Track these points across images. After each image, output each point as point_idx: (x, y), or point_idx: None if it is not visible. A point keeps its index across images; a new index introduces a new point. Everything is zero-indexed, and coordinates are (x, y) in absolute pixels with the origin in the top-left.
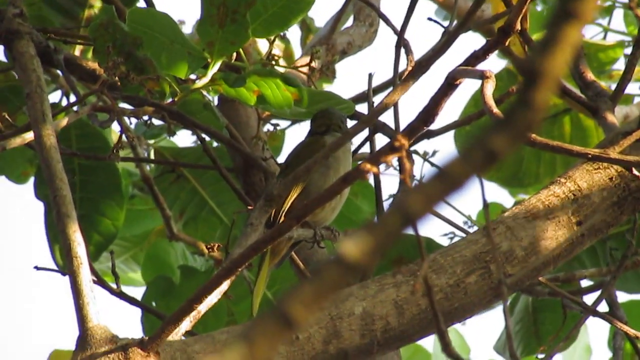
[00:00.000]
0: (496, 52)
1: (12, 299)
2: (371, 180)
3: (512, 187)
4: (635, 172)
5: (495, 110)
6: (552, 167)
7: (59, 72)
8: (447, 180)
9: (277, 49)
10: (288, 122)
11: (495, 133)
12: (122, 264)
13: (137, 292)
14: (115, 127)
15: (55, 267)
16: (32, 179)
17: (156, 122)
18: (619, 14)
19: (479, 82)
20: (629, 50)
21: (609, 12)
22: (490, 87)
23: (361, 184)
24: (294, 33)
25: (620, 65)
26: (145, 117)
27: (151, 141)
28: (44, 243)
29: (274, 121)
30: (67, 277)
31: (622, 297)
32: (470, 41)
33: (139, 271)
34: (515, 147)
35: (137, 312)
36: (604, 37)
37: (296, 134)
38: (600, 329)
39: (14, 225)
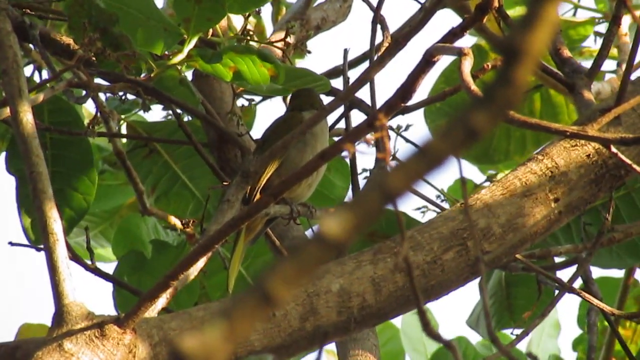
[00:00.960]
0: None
1: None
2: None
3: (483, 164)
4: (613, 149)
5: (473, 87)
6: (523, 144)
7: (31, 46)
8: (427, 158)
9: (249, 25)
10: (260, 97)
11: (475, 110)
12: (91, 240)
13: (107, 268)
14: (89, 104)
15: (27, 242)
16: (3, 154)
17: (129, 97)
18: None
19: (450, 58)
20: (599, 28)
21: None
22: (467, 64)
23: (336, 160)
24: (264, 9)
25: (590, 43)
26: (120, 93)
27: (123, 116)
28: (14, 218)
29: (247, 96)
30: (41, 253)
31: (595, 272)
32: (446, 20)
33: (108, 247)
34: (495, 125)
35: (109, 288)
36: (574, 14)
37: (268, 109)
38: (569, 305)
39: None
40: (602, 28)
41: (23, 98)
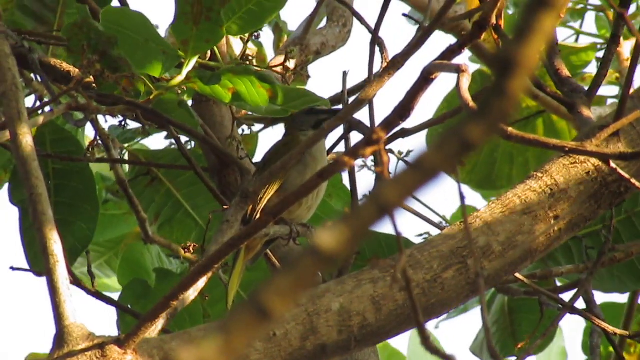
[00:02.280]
0: (470, 55)
1: None
2: (345, 182)
3: (485, 189)
4: (612, 164)
5: (472, 104)
6: (525, 169)
7: (32, 76)
8: (422, 171)
9: (250, 52)
10: (261, 125)
11: (470, 123)
12: (96, 270)
13: (113, 298)
14: (89, 132)
15: (33, 273)
16: (6, 186)
17: (131, 125)
18: (590, 16)
19: (452, 83)
20: (601, 54)
21: (580, 15)
22: (465, 81)
23: (335, 186)
24: (266, 37)
25: (592, 69)
26: (120, 118)
27: (125, 145)
28: (19, 249)
29: (248, 123)
30: (44, 280)
31: (598, 299)
32: (442, 43)
33: (113, 277)
34: (490, 137)
35: (112, 316)
36: (576, 40)
37: (270, 137)
38: (575, 332)
39: None
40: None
41: (22, 120)
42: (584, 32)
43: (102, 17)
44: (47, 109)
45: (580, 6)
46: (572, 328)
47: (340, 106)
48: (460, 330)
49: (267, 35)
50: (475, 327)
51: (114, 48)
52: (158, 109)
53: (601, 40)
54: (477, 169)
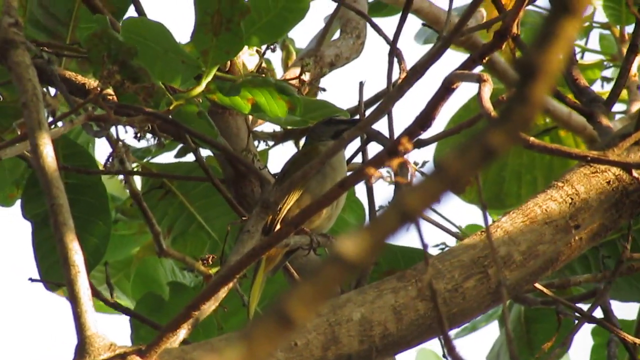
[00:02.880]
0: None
1: (6, 318)
2: (359, 195)
3: (494, 208)
4: (634, 173)
5: (493, 113)
6: (534, 187)
7: (45, 90)
8: (444, 178)
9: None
10: (272, 143)
11: (492, 130)
12: (106, 291)
13: (124, 318)
14: (100, 147)
15: (45, 286)
16: (18, 202)
17: (143, 143)
18: (595, 34)
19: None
20: (606, 72)
21: (586, 33)
22: (487, 91)
23: (349, 198)
24: (274, 54)
25: (597, 87)
26: (136, 130)
27: (141, 160)
28: (28, 264)
29: (264, 133)
30: (58, 297)
31: (617, 313)
32: (452, 62)
33: (124, 298)
34: (512, 144)
35: (125, 331)
36: (582, 57)
37: (280, 153)
38: (581, 350)
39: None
40: (609, 73)
41: (43, 130)
42: (590, 50)
43: (123, 27)
44: (61, 121)
45: (586, 24)
46: (578, 346)
47: (358, 117)
48: (469, 345)
49: (274, 53)
50: (486, 341)
51: (134, 58)
52: (177, 119)
53: (607, 58)
54: (486, 188)
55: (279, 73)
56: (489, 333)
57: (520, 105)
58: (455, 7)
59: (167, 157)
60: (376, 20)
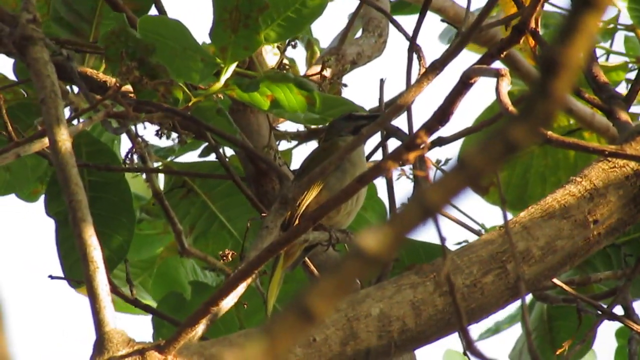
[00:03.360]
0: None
1: (23, 315)
2: (380, 194)
3: (517, 210)
4: None
5: (511, 108)
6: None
7: (68, 88)
8: (466, 173)
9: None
10: (295, 142)
11: (513, 125)
12: (125, 287)
13: (147, 319)
14: (124, 145)
15: (68, 283)
16: (42, 198)
17: (165, 142)
18: (620, 36)
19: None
20: (630, 75)
21: (610, 35)
22: (505, 85)
23: (370, 197)
24: (299, 53)
25: (622, 89)
26: (156, 127)
27: (164, 160)
28: (53, 260)
29: (288, 133)
30: (79, 294)
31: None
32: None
33: (148, 298)
34: (533, 139)
35: (147, 330)
36: (607, 59)
37: (304, 153)
38: (606, 349)
39: (24, 244)
40: (634, 75)
41: (61, 126)
42: (614, 52)
43: (140, 25)
44: (82, 118)
45: (610, 26)
46: (602, 340)
47: (379, 113)
48: (492, 347)
49: (299, 51)
50: (509, 340)
51: (152, 56)
52: (197, 115)
53: (631, 60)
54: (510, 190)
55: (302, 72)
56: (513, 335)
57: (541, 101)
58: (477, 7)
59: (192, 157)
60: (398, 18)
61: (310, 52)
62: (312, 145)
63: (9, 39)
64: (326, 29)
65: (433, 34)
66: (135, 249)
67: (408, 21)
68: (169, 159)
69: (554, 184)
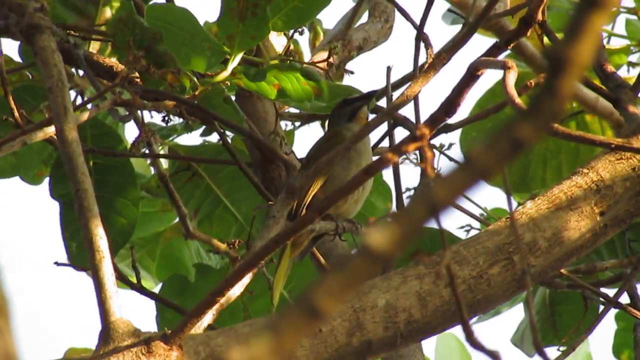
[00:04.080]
0: (509, 55)
1: (28, 299)
2: (387, 178)
3: (519, 192)
4: None
5: (518, 100)
6: (559, 172)
7: (74, 70)
8: (473, 170)
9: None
10: (298, 123)
11: (520, 121)
12: (128, 268)
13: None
14: (130, 128)
15: (74, 268)
16: (46, 180)
17: (174, 121)
18: (622, 19)
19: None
20: (632, 57)
21: (612, 18)
22: (512, 77)
23: (377, 181)
24: (302, 35)
25: (623, 72)
26: (163, 114)
27: (166, 140)
28: (58, 244)
29: (286, 121)
30: (84, 276)
31: None
32: (481, 45)
33: (147, 277)
34: (540, 136)
35: (151, 313)
36: (608, 42)
37: (307, 134)
38: (603, 338)
39: (28, 226)
40: (636, 58)
41: (68, 116)
42: (616, 34)
43: (147, 13)
44: (90, 105)
45: (612, 9)
46: (600, 334)
47: (384, 101)
48: (496, 325)
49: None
50: (510, 324)
51: (159, 44)
52: (203, 104)
53: (633, 43)
54: (511, 171)
55: (306, 54)
56: (514, 316)
57: (548, 98)
58: None
59: (194, 136)
60: (405, 1)
61: (313, 33)
62: (315, 127)
63: (16, 27)
64: (331, 10)
65: (436, 14)
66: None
67: (415, 3)
68: (172, 139)
69: (555, 167)
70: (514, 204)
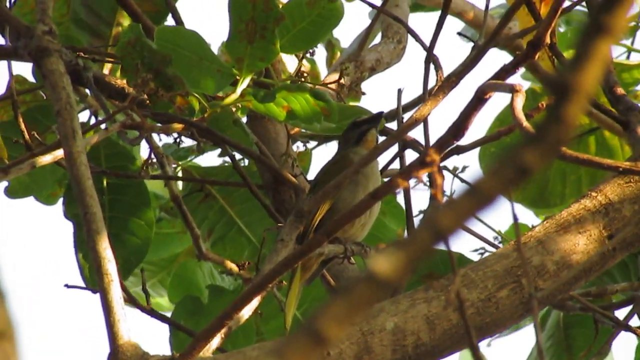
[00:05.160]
0: (522, 72)
1: (41, 319)
2: (400, 199)
3: (538, 207)
4: None
5: (525, 124)
6: (578, 187)
7: (87, 91)
8: (478, 196)
9: (303, 69)
10: (315, 143)
11: (526, 148)
12: (149, 289)
13: (166, 315)
14: (144, 147)
15: (90, 290)
16: (60, 200)
17: (185, 142)
18: None
19: (503, 102)
20: None
21: (632, 33)
22: (520, 101)
23: (389, 203)
24: (319, 54)
25: None
26: (175, 135)
27: (180, 162)
28: (72, 263)
29: (303, 140)
30: (97, 296)
31: None
32: (497, 59)
33: (166, 296)
34: (546, 163)
35: (165, 333)
36: (628, 57)
37: (323, 154)
38: (626, 353)
39: (42, 246)
40: None
41: (77, 139)
42: (636, 50)
43: (157, 35)
44: (101, 126)
45: (632, 23)
46: (620, 348)
47: (395, 123)
48: (512, 347)
49: (319, 52)
50: (529, 342)
51: (168, 66)
52: (213, 127)
53: None
54: (530, 187)
55: (323, 72)
56: (531, 333)
57: (554, 125)
58: (494, 5)
59: (212, 156)
60: (419, 16)
61: (330, 52)
62: (332, 145)
63: (24, 50)
64: (346, 28)
65: (451, 33)
66: (154, 247)
67: (429, 20)
68: (189, 159)
69: (574, 182)
70: (536, 219)
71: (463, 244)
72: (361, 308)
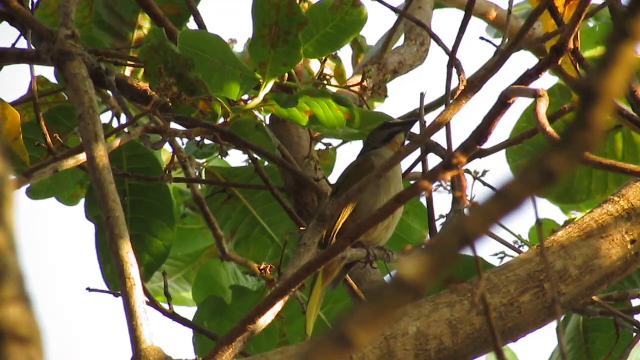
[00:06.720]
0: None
1: (63, 321)
2: (422, 199)
3: (564, 203)
4: None
5: (549, 128)
6: (604, 183)
7: (109, 92)
8: (505, 201)
9: (328, 68)
10: (339, 141)
11: (552, 153)
12: (174, 283)
13: (190, 312)
14: (166, 147)
15: (106, 288)
16: (82, 201)
17: (207, 141)
18: None
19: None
20: None
21: None
22: (543, 106)
23: (412, 203)
24: (345, 51)
25: None
26: (197, 138)
27: (202, 160)
28: (94, 264)
29: (325, 140)
30: (119, 298)
31: None
32: (521, 61)
33: (191, 290)
34: (572, 167)
35: (189, 332)
36: None
37: (347, 152)
38: None
39: (64, 247)
40: None
41: (99, 143)
42: None
43: (180, 40)
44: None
45: None
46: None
47: (417, 125)
48: (534, 345)
49: (345, 50)
50: (551, 342)
51: (191, 70)
52: (235, 130)
53: None
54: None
55: (348, 70)
56: (547, 334)
57: (580, 130)
58: (518, 1)
59: (235, 155)
60: (443, 12)
61: (356, 50)
62: (357, 144)
63: (47, 54)
64: (371, 26)
65: (474, 33)
66: (178, 243)
67: (452, 15)
68: (211, 157)
69: (601, 177)
70: (561, 215)
71: (483, 248)
72: (387, 313)
